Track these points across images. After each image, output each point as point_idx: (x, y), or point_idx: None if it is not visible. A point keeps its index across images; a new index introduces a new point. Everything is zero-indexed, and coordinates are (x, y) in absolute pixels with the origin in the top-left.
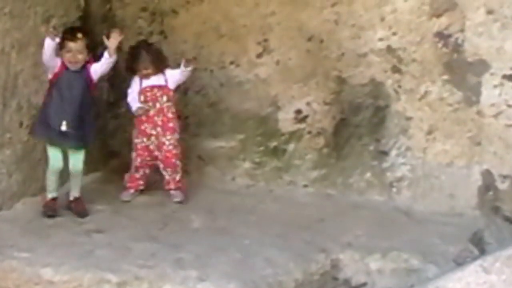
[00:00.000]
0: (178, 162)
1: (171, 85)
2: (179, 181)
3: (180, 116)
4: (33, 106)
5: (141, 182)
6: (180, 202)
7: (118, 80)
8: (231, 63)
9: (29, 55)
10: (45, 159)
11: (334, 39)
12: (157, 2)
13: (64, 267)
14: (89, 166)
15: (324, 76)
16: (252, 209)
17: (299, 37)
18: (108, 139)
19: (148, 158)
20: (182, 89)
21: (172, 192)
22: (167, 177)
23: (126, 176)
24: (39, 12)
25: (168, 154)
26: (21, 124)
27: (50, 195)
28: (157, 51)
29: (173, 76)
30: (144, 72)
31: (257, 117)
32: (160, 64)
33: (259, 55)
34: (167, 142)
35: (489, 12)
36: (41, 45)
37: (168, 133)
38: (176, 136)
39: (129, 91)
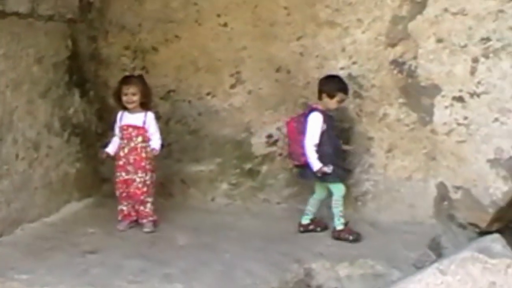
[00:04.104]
0: (147, 199)
1: (148, 128)
2: (149, 213)
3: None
4: (28, 140)
5: (132, 214)
6: (150, 232)
7: (106, 113)
8: (208, 94)
9: (23, 93)
10: (46, 187)
11: (300, 69)
12: (139, 41)
13: (61, 286)
14: (82, 192)
15: (293, 103)
16: (232, 225)
17: (269, 68)
18: (99, 166)
19: (127, 191)
20: (164, 119)
21: (143, 222)
22: (139, 209)
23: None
24: (31, 53)
25: (136, 191)
26: (16, 156)
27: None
28: (147, 85)
29: (152, 125)
30: (131, 97)
31: (233, 142)
32: (147, 98)
33: (233, 86)
34: (137, 179)
35: (439, 40)
36: (34, 83)
37: (139, 171)
38: (148, 175)
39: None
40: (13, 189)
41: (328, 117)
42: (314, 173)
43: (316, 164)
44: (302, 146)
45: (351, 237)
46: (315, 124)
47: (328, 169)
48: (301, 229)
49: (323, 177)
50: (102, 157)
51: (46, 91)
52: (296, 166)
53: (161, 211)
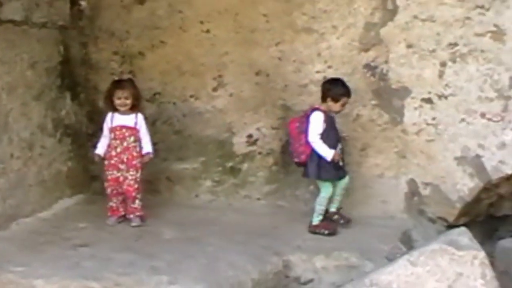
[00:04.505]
0: (137, 195)
1: (140, 128)
2: (137, 209)
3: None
4: (22, 140)
5: (121, 210)
6: (137, 226)
7: (96, 115)
8: (192, 96)
9: (18, 96)
10: (40, 184)
11: (279, 73)
12: (127, 46)
13: (54, 278)
14: (74, 189)
15: (272, 104)
16: (215, 220)
17: (249, 72)
18: (89, 165)
19: (118, 188)
20: (151, 120)
21: (131, 217)
22: (128, 205)
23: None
24: (25, 58)
25: (129, 188)
26: (12, 155)
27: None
28: (137, 88)
29: (143, 126)
30: (124, 101)
31: (215, 142)
32: (137, 101)
33: (215, 89)
34: (129, 177)
35: (409, 46)
36: (28, 87)
37: (131, 169)
38: (138, 173)
39: (103, 133)
40: (8, 187)
41: (329, 118)
42: (317, 170)
43: (328, 153)
44: (302, 145)
45: (326, 232)
46: (316, 121)
47: (339, 149)
48: (326, 231)
49: (319, 174)
50: (96, 160)
51: (40, 94)
52: (297, 164)
53: (148, 207)
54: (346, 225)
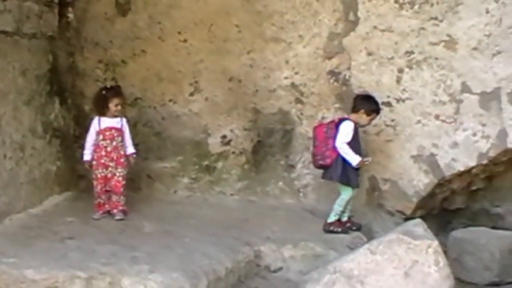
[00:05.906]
0: (123, 191)
1: (125, 130)
2: (120, 204)
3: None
4: (14, 142)
5: (106, 206)
6: (121, 220)
7: (82, 118)
8: (170, 100)
9: (10, 101)
10: (31, 183)
11: (250, 79)
12: (110, 55)
13: (44, 268)
14: (62, 186)
15: (243, 108)
16: (192, 214)
17: (223, 78)
18: (76, 165)
19: (107, 186)
20: (132, 123)
21: (115, 211)
22: (113, 200)
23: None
24: (17, 66)
25: (117, 184)
26: (4, 156)
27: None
28: None
29: (127, 128)
30: (121, 108)
31: (192, 142)
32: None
33: (192, 94)
34: (117, 174)
35: (369, 54)
36: (19, 93)
37: (119, 167)
38: (125, 170)
39: (88, 139)
40: (1, 185)
41: (356, 129)
42: (342, 174)
43: (355, 159)
44: (329, 149)
45: (339, 229)
46: (347, 129)
47: (367, 159)
48: (339, 229)
49: (343, 178)
50: (87, 167)
51: (30, 99)
52: (321, 166)
53: (130, 203)
54: (358, 230)
